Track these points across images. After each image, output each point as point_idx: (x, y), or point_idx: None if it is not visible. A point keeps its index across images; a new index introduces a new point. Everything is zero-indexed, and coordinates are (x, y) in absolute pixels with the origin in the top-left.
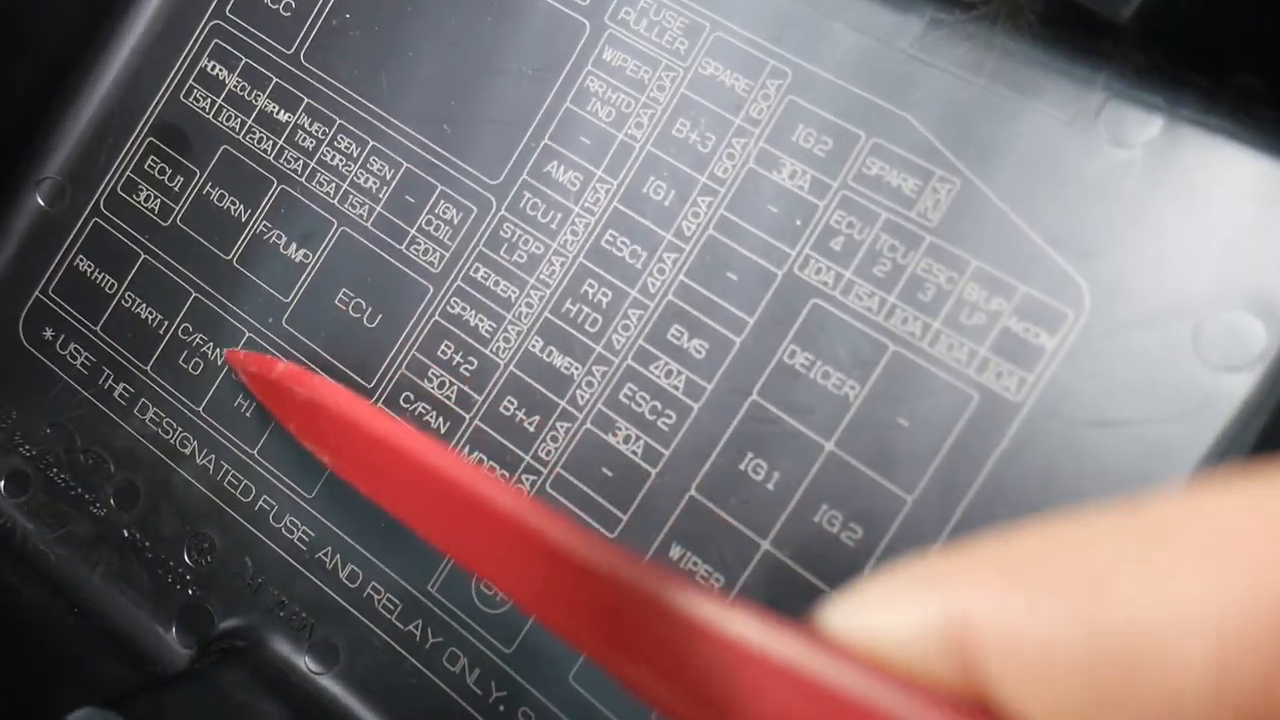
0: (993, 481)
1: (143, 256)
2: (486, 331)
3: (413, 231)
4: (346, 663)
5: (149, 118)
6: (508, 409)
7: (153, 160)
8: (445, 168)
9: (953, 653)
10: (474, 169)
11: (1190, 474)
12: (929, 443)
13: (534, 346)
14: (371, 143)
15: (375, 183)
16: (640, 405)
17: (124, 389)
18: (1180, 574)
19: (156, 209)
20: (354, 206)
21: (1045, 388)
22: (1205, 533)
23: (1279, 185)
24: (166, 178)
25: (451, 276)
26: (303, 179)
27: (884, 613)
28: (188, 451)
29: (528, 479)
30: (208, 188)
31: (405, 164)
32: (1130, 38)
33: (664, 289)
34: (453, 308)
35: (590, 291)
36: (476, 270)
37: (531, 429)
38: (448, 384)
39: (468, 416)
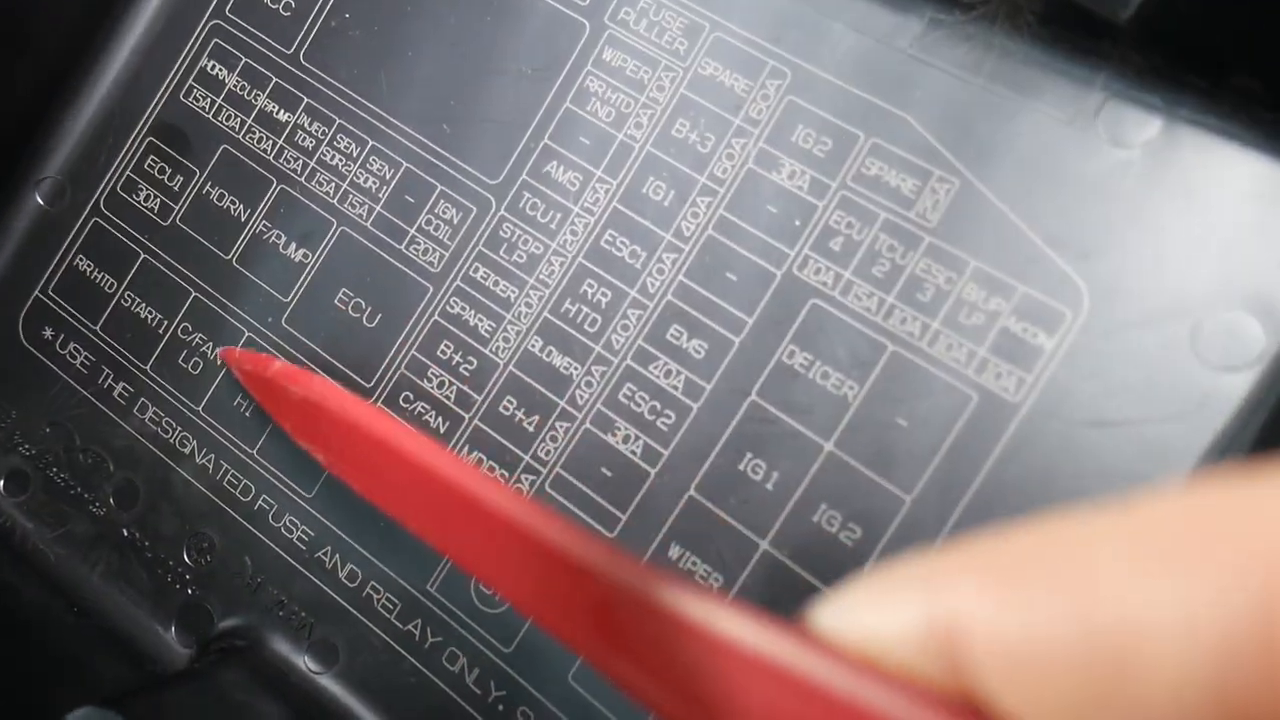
0: (991, 482)
1: (142, 256)
2: (486, 331)
3: (412, 231)
4: (346, 662)
5: (149, 117)
6: (507, 409)
7: (152, 160)
8: (445, 167)
9: (942, 652)
10: (473, 169)
11: (1188, 474)
12: (928, 443)
13: (533, 346)
14: (371, 142)
15: (375, 182)
16: (639, 405)
17: (123, 388)
18: (1171, 572)
19: (156, 209)
20: (354, 206)
21: (1044, 388)
22: (1197, 531)
23: (1277, 186)
24: (166, 177)
25: (451, 276)
26: (302, 179)
27: (874, 612)
28: (187, 451)
29: (527, 479)
30: (207, 187)
31: (405, 164)
32: (1129, 38)
33: (663, 289)
34: (452, 307)
35: (589, 291)
36: (476, 270)
37: (531, 429)
38: (447, 384)
39: (467, 416)
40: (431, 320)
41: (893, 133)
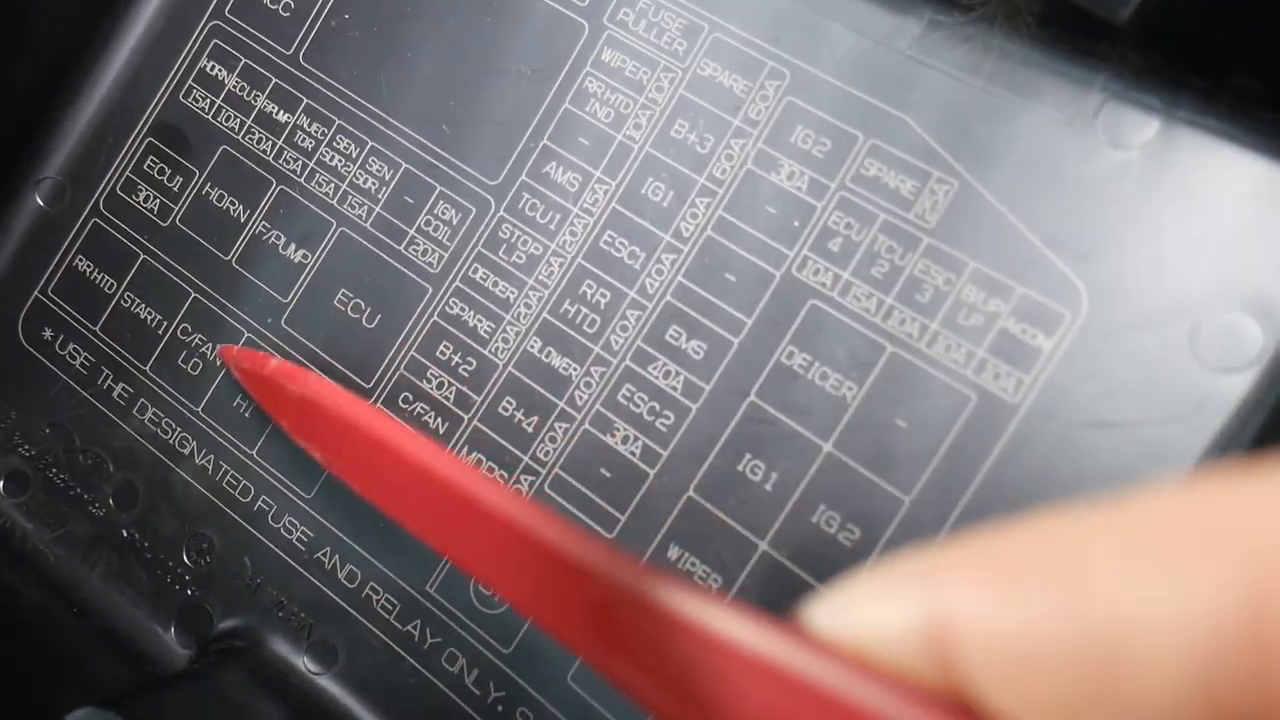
0: (990, 482)
1: (142, 257)
2: (485, 332)
3: (411, 232)
4: (345, 663)
5: (148, 118)
6: (506, 409)
7: (152, 160)
8: (444, 168)
9: (934, 649)
10: (473, 169)
11: (1187, 475)
12: (926, 444)
13: (532, 347)
14: (370, 143)
15: (374, 183)
16: (638, 406)
17: (123, 389)
18: (1164, 570)
19: (156, 209)
20: (353, 207)
21: (1043, 389)
22: (1190, 528)
23: (1276, 187)
24: (166, 178)
25: (450, 277)
26: (302, 179)
27: (867, 610)
28: (186, 451)
29: (526, 479)
30: (207, 188)
31: (404, 164)
32: (1128, 39)
33: (662, 290)
34: (451, 308)
35: (589, 292)
36: (475, 271)
37: (530, 429)
38: (446, 384)
39: (466, 417)
40: (431, 321)
41: (892, 134)
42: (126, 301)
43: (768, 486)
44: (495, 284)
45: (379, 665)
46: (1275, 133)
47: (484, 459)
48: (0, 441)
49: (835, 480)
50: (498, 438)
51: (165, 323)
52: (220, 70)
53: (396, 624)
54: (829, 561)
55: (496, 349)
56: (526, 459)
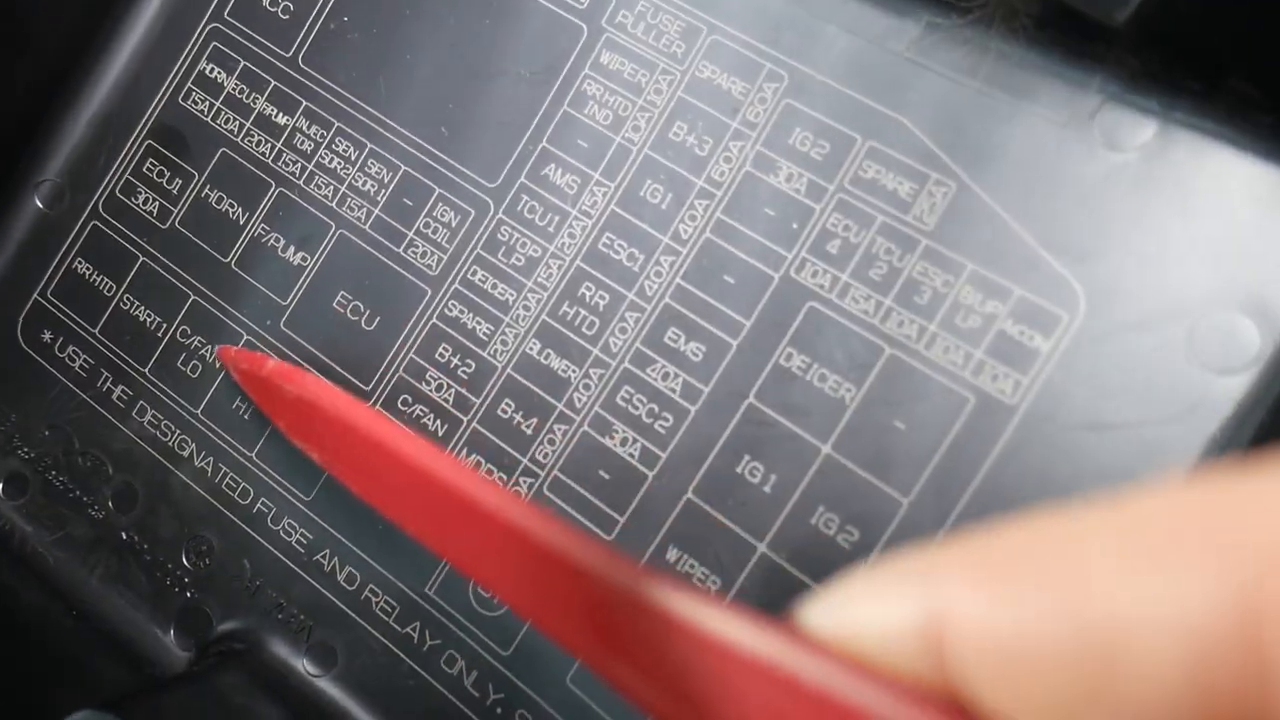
0: (988, 484)
1: (141, 259)
2: (484, 334)
3: (410, 234)
4: (344, 665)
5: (148, 120)
6: (505, 412)
7: (151, 163)
8: (443, 170)
9: (930, 649)
10: (472, 172)
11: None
12: (925, 445)
13: (531, 349)
14: (369, 145)
15: (373, 185)
16: (637, 408)
17: (122, 391)
18: (1158, 569)
19: (155, 211)
20: (352, 209)
21: (1040, 390)
22: (1184, 528)
23: (1272, 188)
24: (165, 180)
25: (449, 279)
26: (301, 182)
27: (863, 610)
28: (186, 454)
29: (525, 482)
30: (206, 190)
31: (403, 167)
32: (1125, 41)
33: (661, 292)
34: (450, 310)
35: (587, 294)
36: (474, 273)
37: (529, 432)
38: (445, 386)
39: (465, 419)
40: (430, 323)
41: (890, 136)
42: (126, 304)
43: (766, 488)
44: (494, 286)
45: (378, 667)
46: (1272, 135)
47: (483, 461)
48: (0, 444)
49: (834, 482)
50: (496, 440)
51: (165, 325)
52: (219, 73)
53: (396, 626)
54: (828, 563)
55: (495, 351)
56: (525, 461)
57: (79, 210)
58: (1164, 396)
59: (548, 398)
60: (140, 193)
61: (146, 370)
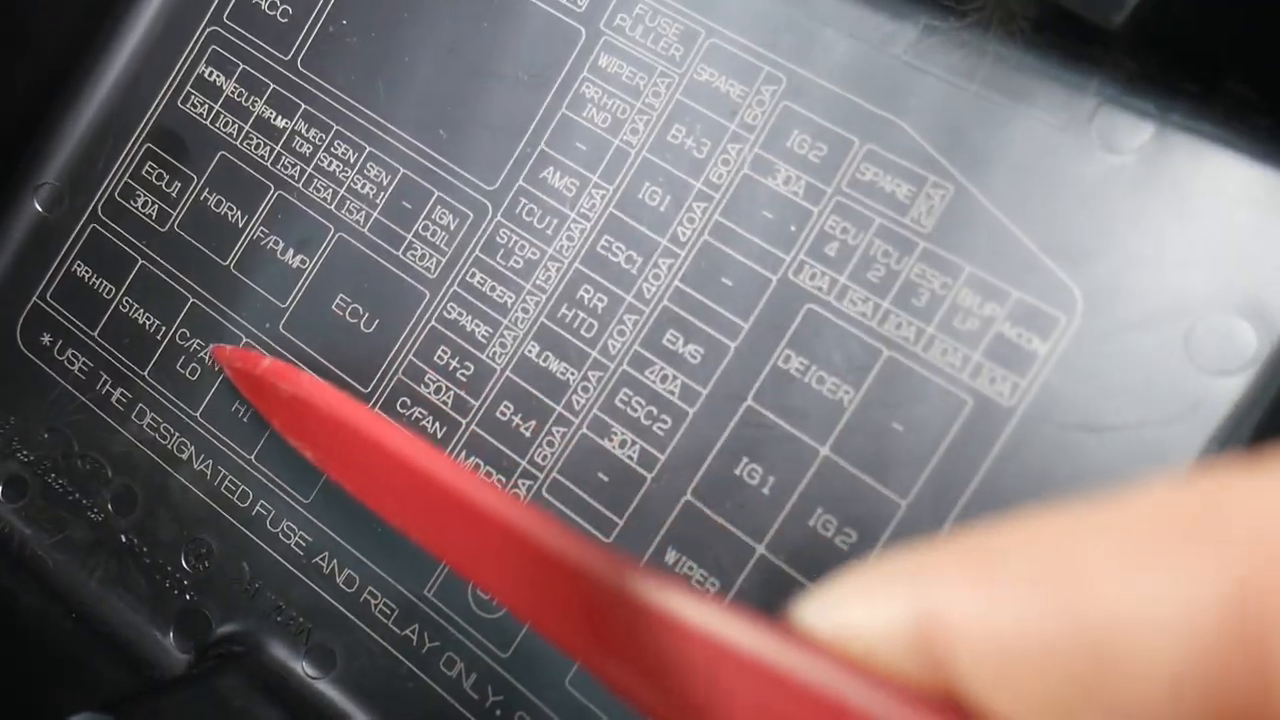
0: (986, 486)
1: (140, 262)
2: (483, 337)
3: (409, 237)
4: (343, 667)
5: (147, 123)
6: (504, 414)
7: (150, 166)
8: (442, 173)
9: (925, 648)
10: (470, 175)
11: None
12: (923, 447)
13: (530, 352)
14: (368, 148)
15: (372, 188)
16: (636, 410)
17: (121, 394)
18: (1154, 568)
19: (154, 215)
20: (351, 212)
21: (1038, 392)
22: (1182, 524)
23: (1269, 190)
24: (164, 183)
25: (448, 282)
26: (300, 185)
27: (857, 609)
28: (185, 457)
29: (524, 484)
30: (205, 193)
31: (402, 170)
32: (1122, 44)
33: (659, 294)
34: (449, 313)
35: (586, 297)
36: (473, 276)
37: (528, 434)
38: (444, 389)
39: (464, 421)
40: (429, 326)
41: (887, 139)
42: (125, 307)
43: (765, 490)
44: (493, 289)
45: (377, 670)
46: (1269, 138)
47: (482, 463)
48: None
49: (832, 484)
50: (495, 442)
51: (164, 328)
52: (218, 76)
53: (395, 628)
54: (826, 564)
55: (494, 353)
56: (524, 463)
57: (78, 213)
58: (1161, 398)
59: (546, 400)
60: (139, 196)
61: (146, 373)
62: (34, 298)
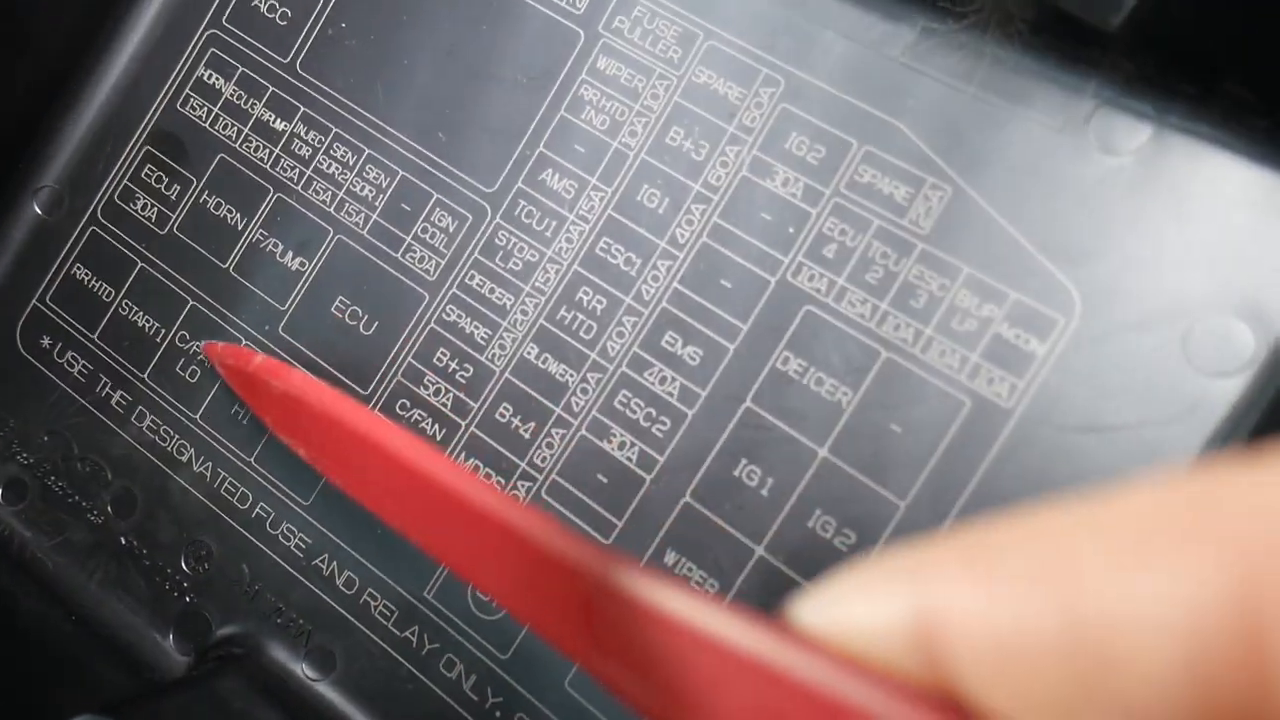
0: (985, 487)
1: (140, 265)
2: (482, 339)
3: (408, 239)
4: (343, 669)
5: (146, 126)
6: (503, 416)
7: (150, 169)
8: (441, 176)
9: (923, 646)
10: (469, 177)
11: None
12: (921, 448)
13: (529, 353)
14: (367, 151)
15: (371, 191)
16: (635, 412)
17: (121, 397)
18: (1151, 565)
19: (153, 217)
20: (350, 214)
21: (1036, 394)
22: (1179, 522)
23: (1267, 192)
24: (163, 186)
25: (447, 284)
26: (299, 187)
27: (855, 606)
28: (185, 459)
29: (523, 485)
30: (204, 196)
31: (401, 172)
32: (1120, 46)
33: (658, 296)
34: (448, 315)
35: (585, 299)
36: (472, 278)
37: (527, 436)
38: (443, 391)
39: (463, 423)
40: (428, 328)
41: (885, 140)
42: (124, 309)
43: (764, 492)
44: (492, 291)
45: (377, 671)
46: (1267, 139)
47: (481, 465)
48: None
49: (831, 485)
50: (495, 444)
51: (163, 330)
52: (218, 79)
53: (394, 630)
54: (825, 566)
55: (493, 355)
56: (523, 465)
57: (77, 216)
58: (1159, 399)
59: (546, 402)
60: (139, 198)
61: (145, 375)
62: (34, 300)
